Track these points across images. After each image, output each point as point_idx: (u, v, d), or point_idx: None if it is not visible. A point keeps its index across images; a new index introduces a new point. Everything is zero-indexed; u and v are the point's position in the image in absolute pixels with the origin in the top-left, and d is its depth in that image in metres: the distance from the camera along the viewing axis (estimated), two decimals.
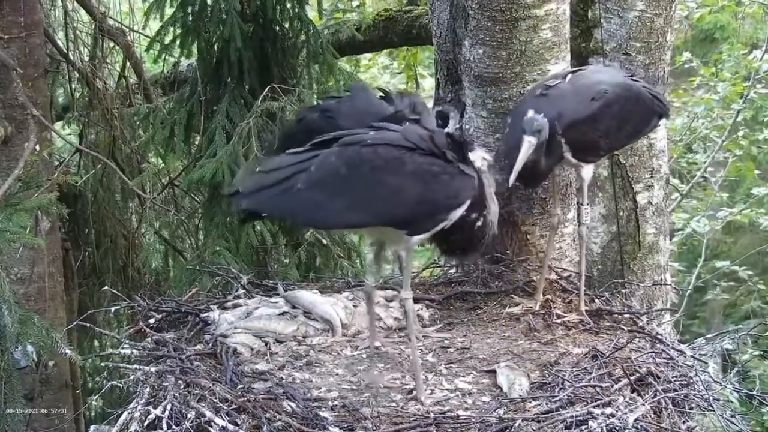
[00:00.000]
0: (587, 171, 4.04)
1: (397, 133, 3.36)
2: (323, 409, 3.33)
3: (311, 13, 6.47)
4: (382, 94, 4.10)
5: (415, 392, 3.46)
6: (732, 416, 3.58)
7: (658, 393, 3.46)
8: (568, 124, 3.86)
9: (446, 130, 3.64)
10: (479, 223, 3.46)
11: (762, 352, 5.94)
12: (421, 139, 3.34)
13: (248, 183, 3.30)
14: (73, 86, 6.75)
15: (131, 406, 3.48)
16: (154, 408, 3.36)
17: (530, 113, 3.82)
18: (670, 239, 5.56)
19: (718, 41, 10.50)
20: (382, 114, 3.86)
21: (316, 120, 4.05)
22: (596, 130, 3.93)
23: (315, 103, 4.76)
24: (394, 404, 3.39)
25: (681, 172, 10.53)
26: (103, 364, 4.41)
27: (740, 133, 9.96)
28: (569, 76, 4.02)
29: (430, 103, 4.71)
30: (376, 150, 3.29)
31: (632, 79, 4.13)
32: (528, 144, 3.77)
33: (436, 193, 3.30)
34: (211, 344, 3.88)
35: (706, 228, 9.74)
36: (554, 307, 4.12)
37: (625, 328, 4.02)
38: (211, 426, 3.25)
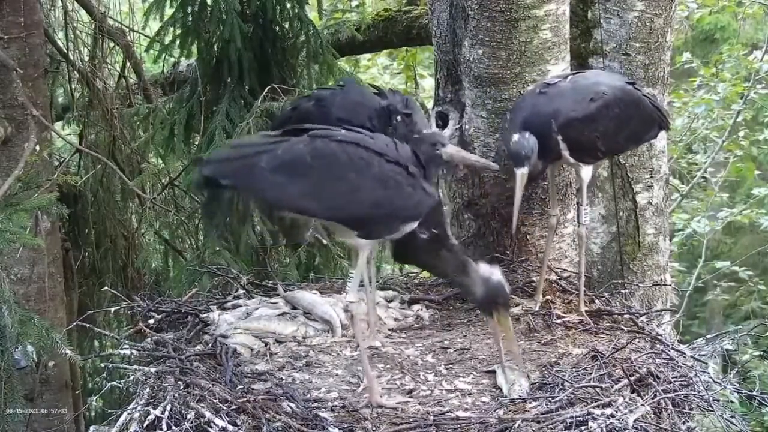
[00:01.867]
0: (586, 172, 4.04)
1: (368, 137, 3.38)
2: (323, 409, 3.33)
3: (311, 13, 6.46)
4: (375, 90, 4.11)
5: (368, 395, 3.41)
6: (732, 417, 3.58)
7: (658, 393, 3.46)
8: (565, 122, 3.87)
9: (431, 132, 3.63)
10: (428, 240, 3.44)
11: (762, 353, 5.94)
12: (387, 147, 3.36)
13: (216, 154, 3.29)
14: (73, 86, 6.75)
15: (131, 406, 3.49)
16: (154, 408, 3.36)
17: (515, 137, 3.84)
18: (670, 240, 5.56)
19: (718, 42, 10.48)
20: (374, 107, 3.88)
21: (310, 109, 4.06)
22: (593, 131, 3.92)
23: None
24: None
25: (681, 173, 10.53)
26: (103, 364, 4.40)
27: (740, 134, 9.96)
28: (569, 77, 4.03)
29: (429, 103, 4.70)
30: (345, 147, 3.32)
31: (634, 87, 4.13)
32: (521, 177, 3.83)
33: (394, 201, 3.31)
34: (210, 345, 3.87)
35: (707, 228, 9.73)
36: (554, 308, 4.12)
37: (625, 328, 4.01)
38: (211, 427, 3.24)
